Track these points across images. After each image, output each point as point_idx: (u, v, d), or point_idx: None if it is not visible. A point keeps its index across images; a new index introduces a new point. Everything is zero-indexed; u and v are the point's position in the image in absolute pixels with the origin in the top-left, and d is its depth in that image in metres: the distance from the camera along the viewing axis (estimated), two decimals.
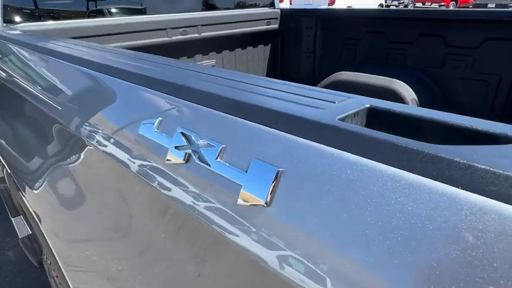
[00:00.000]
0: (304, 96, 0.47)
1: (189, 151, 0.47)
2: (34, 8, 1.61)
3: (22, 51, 1.12)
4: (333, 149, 0.35)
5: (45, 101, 0.91)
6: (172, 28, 2.03)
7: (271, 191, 0.37)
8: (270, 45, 2.69)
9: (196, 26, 2.15)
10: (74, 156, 0.79)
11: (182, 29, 2.08)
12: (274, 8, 2.65)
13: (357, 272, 0.31)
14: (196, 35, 2.16)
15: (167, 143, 0.50)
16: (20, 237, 1.64)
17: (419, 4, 16.24)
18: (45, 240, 1.03)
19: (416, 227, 0.28)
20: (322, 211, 0.34)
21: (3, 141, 1.35)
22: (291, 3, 10.20)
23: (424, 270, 0.26)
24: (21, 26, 1.53)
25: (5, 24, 1.50)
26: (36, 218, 1.08)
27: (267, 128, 0.41)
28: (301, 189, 0.36)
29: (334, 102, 0.44)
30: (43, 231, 1.04)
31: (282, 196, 0.37)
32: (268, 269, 0.37)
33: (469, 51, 1.93)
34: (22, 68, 1.11)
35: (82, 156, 0.76)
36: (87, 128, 0.71)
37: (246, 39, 2.51)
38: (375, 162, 0.32)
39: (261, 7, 2.60)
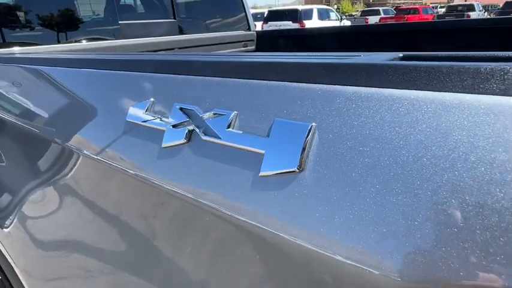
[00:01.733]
0: (317, 56, 0.40)
1: (191, 127, 0.39)
2: (1, 41, 1.52)
3: None
4: (387, 89, 0.28)
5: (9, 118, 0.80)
6: (149, 52, 1.97)
7: (304, 152, 0.30)
8: None
9: (173, 49, 2.11)
10: (52, 168, 0.68)
11: (159, 52, 2.03)
12: (250, 31, 2.66)
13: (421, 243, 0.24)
14: None
15: (162, 125, 0.42)
16: None
17: None
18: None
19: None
20: (373, 166, 0.27)
21: None
22: (262, 28, 10.67)
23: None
24: None
25: None
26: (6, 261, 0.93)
27: (288, 83, 0.34)
28: (342, 144, 0.29)
29: (360, 56, 0.38)
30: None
31: (318, 157, 0.30)
32: (307, 249, 0.29)
33: None
34: None
35: (63, 167, 0.65)
36: (64, 135, 0.62)
37: None
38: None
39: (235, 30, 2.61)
